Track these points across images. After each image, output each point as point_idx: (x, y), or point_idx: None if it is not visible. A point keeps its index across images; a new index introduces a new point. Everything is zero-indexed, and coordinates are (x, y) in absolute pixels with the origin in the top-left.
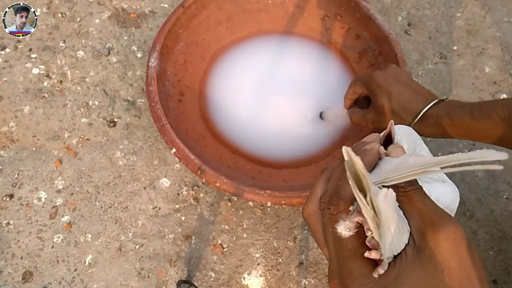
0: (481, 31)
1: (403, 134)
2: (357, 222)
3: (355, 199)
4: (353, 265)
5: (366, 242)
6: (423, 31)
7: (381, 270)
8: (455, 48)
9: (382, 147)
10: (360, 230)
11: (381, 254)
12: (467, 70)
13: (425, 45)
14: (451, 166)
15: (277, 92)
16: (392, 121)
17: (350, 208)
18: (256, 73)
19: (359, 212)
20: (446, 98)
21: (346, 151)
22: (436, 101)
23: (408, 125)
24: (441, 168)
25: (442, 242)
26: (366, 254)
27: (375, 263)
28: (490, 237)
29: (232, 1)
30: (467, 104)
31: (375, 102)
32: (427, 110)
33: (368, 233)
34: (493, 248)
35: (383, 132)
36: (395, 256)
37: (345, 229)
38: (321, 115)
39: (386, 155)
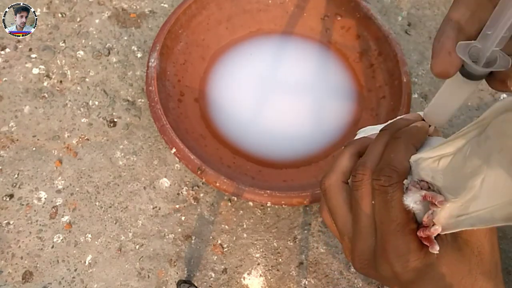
0: None
1: None
2: (423, 196)
3: (408, 173)
4: (401, 240)
5: (425, 217)
6: (423, 31)
7: (437, 247)
8: None
9: (432, 126)
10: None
11: (439, 232)
12: None
13: (425, 45)
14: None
15: (277, 92)
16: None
17: (404, 182)
18: (256, 73)
19: (415, 187)
20: None
21: None
22: None
23: None
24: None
25: None
26: (434, 228)
27: (420, 242)
28: None
29: (232, 1)
30: None
31: None
32: None
33: (442, 206)
34: None
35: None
36: (435, 238)
37: (413, 201)
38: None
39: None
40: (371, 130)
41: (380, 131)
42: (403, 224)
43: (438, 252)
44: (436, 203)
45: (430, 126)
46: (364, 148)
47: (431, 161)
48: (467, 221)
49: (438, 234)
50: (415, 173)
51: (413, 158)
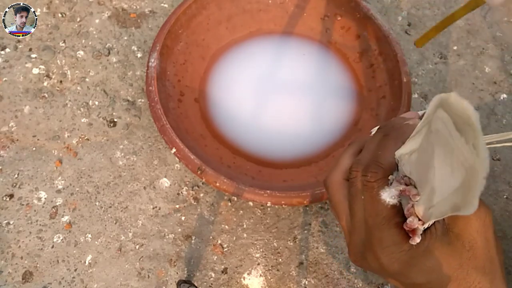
0: (481, 31)
1: None
2: (400, 191)
3: (394, 169)
4: (386, 233)
5: (406, 210)
6: (423, 31)
7: (417, 239)
8: (455, 48)
9: None
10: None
11: (419, 223)
12: (467, 70)
13: (425, 45)
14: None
15: (277, 92)
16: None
17: (389, 178)
18: (256, 73)
19: (399, 182)
20: None
21: (449, 96)
22: None
23: None
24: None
25: (473, 221)
26: (410, 220)
27: (406, 234)
28: None
29: (232, 1)
30: None
31: None
32: None
33: (415, 199)
34: None
35: (423, 111)
36: (424, 231)
37: (389, 196)
38: None
39: None
40: None
41: (377, 129)
42: (388, 218)
43: (416, 243)
44: (410, 196)
45: None
46: None
47: (407, 156)
48: (433, 213)
49: (428, 228)
50: (400, 169)
51: (397, 154)
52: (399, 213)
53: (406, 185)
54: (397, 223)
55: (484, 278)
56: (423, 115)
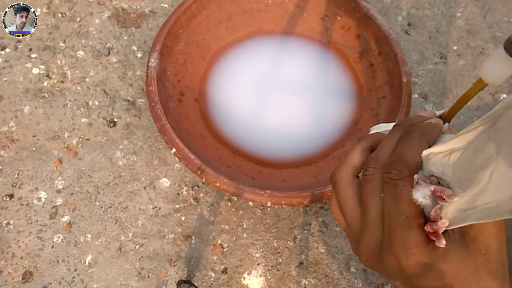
0: (481, 31)
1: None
2: (432, 191)
3: (419, 168)
4: (408, 233)
5: (433, 212)
6: (423, 31)
7: (444, 241)
8: (455, 48)
9: (446, 124)
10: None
11: (446, 226)
12: (467, 70)
13: (425, 45)
14: None
15: (277, 92)
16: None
17: (414, 177)
18: (256, 73)
19: (425, 182)
20: None
21: None
22: None
23: None
24: None
25: (490, 225)
26: (441, 222)
27: (427, 236)
28: None
29: (232, 1)
30: None
31: None
32: None
33: (451, 200)
34: None
35: (441, 111)
36: (442, 233)
37: (422, 196)
38: None
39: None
40: (385, 127)
41: (394, 126)
42: (411, 218)
43: (444, 246)
44: (444, 197)
45: (444, 123)
46: (376, 143)
47: (441, 155)
48: (474, 215)
49: (446, 231)
50: (426, 168)
51: (425, 153)
52: (421, 214)
53: (435, 185)
54: (420, 224)
55: (495, 283)
56: (440, 114)
